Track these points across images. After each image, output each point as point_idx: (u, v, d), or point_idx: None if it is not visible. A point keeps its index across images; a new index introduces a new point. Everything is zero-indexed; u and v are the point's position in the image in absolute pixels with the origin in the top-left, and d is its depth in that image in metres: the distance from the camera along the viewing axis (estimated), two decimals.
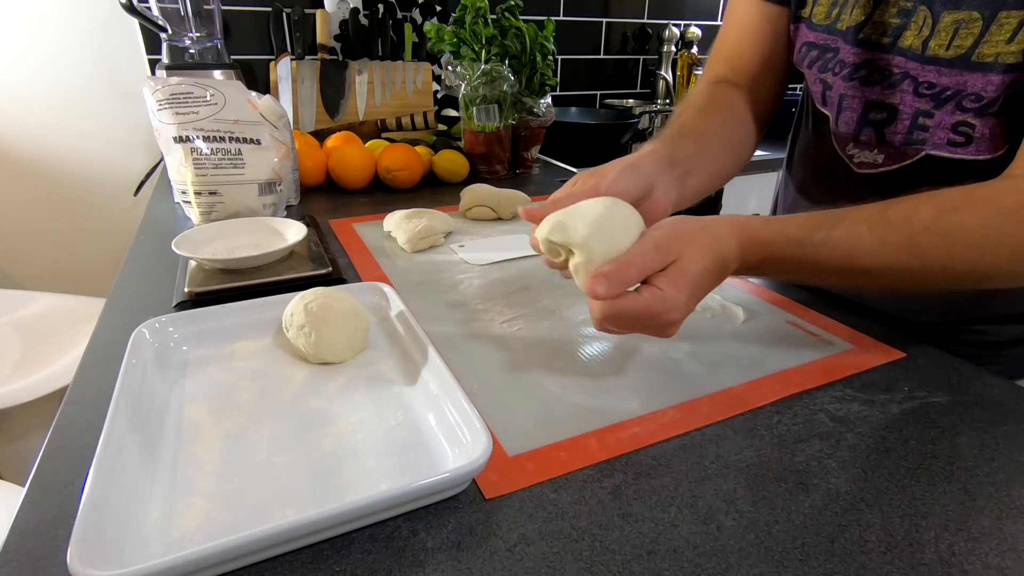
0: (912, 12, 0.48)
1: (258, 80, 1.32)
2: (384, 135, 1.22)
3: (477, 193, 0.81)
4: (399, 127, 1.25)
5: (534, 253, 0.68)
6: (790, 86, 0.67)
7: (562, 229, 0.39)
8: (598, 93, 1.76)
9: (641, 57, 1.79)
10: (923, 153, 0.52)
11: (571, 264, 0.39)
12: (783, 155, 0.81)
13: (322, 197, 0.92)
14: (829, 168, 0.61)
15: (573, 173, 1.25)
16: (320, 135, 1.12)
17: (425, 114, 1.26)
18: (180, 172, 0.71)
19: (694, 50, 1.77)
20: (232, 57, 1.22)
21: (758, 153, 1.44)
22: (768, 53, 0.63)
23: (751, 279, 0.63)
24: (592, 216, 0.39)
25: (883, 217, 0.41)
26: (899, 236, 0.40)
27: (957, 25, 0.45)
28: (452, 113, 1.31)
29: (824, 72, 0.56)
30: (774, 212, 0.78)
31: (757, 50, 0.63)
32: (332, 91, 1.27)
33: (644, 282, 0.38)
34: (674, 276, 0.37)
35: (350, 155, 0.94)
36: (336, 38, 1.30)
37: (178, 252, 0.58)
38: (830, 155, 0.60)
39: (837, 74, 0.55)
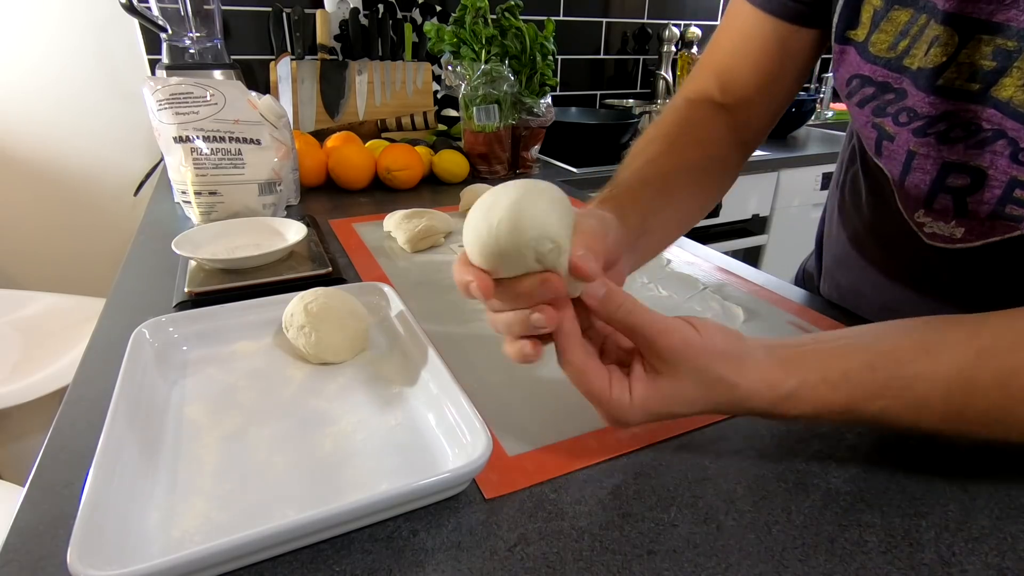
0: (1016, 55, 0.35)
1: (258, 80, 1.32)
2: (384, 135, 1.22)
3: (477, 193, 0.81)
4: (399, 127, 1.25)
5: None
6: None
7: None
8: (598, 93, 1.76)
9: (641, 57, 1.79)
10: (1018, 233, 0.40)
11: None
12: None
13: (322, 197, 0.92)
14: (891, 232, 0.50)
15: (573, 173, 1.25)
16: (320, 135, 1.12)
17: (425, 114, 1.26)
18: (180, 172, 0.71)
19: (694, 50, 1.77)
20: (232, 57, 1.22)
21: (757, 153, 1.45)
22: (768, 76, 0.51)
23: (751, 279, 0.63)
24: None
25: (969, 383, 0.31)
26: (982, 406, 0.31)
27: None
28: (452, 113, 1.31)
29: (881, 116, 0.44)
30: (819, 251, 0.67)
31: (754, 71, 0.52)
32: (332, 91, 1.27)
33: (629, 360, 0.34)
34: (652, 398, 0.32)
35: (350, 155, 0.94)
36: (336, 38, 1.30)
37: (178, 252, 0.58)
38: (892, 217, 0.49)
39: (903, 124, 0.43)
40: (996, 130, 0.38)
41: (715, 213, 1.44)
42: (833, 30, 0.45)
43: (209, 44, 1.13)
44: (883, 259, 0.54)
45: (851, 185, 0.57)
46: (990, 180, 0.40)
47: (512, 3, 1.01)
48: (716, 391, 0.33)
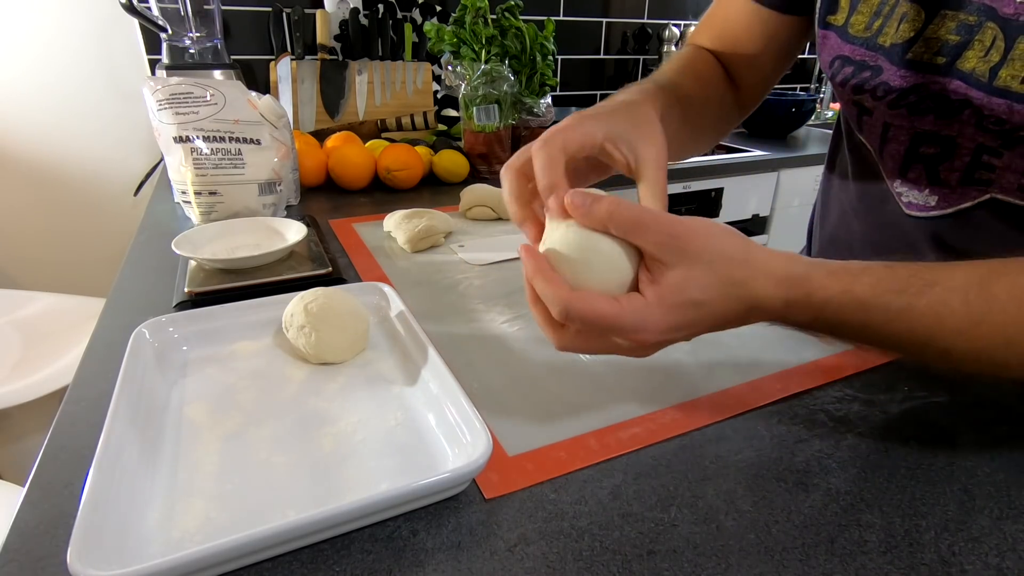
0: (976, 28, 0.39)
1: (258, 80, 1.32)
2: (384, 135, 1.22)
3: (477, 193, 0.81)
4: (399, 127, 1.25)
5: None
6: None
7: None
8: (598, 93, 1.76)
9: (641, 57, 1.79)
10: (988, 196, 0.43)
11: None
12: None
13: (322, 197, 0.92)
14: (875, 204, 0.53)
15: None
16: (320, 135, 1.12)
17: (425, 114, 1.26)
18: (180, 172, 0.71)
19: None
20: (232, 57, 1.22)
21: (758, 153, 1.45)
22: (752, 55, 0.56)
23: None
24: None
25: (986, 292, 0.32)
26: (1000, 319, 0.31)
27: None
28: (452, 113, 1.31)
29: (860, 94, 0.48)
30: (809, 240, 0.69)
31: (743, 49, 0.56)
32: (332, 91, 1.27)
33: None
34: (666, 290, 0.32)
35: (350, 155, 0.94)
36: (336, 38, 1.30)
37: (178, 252, 0.58)
38: (876, 189, 0.52)
39: (879, 99, 0.46)
40: (962, 100, 0.41)
41: (716, 213, 1.44)
42: (816, 17, 0.49)
43: (209, 44, 1.13)
44: (869, 233, 0.56)
45: (839, 166, 0.60)
46: (960, 149, 0.43)
47: (512, 3, 1.01)
48: (729, 267, 0.33)
